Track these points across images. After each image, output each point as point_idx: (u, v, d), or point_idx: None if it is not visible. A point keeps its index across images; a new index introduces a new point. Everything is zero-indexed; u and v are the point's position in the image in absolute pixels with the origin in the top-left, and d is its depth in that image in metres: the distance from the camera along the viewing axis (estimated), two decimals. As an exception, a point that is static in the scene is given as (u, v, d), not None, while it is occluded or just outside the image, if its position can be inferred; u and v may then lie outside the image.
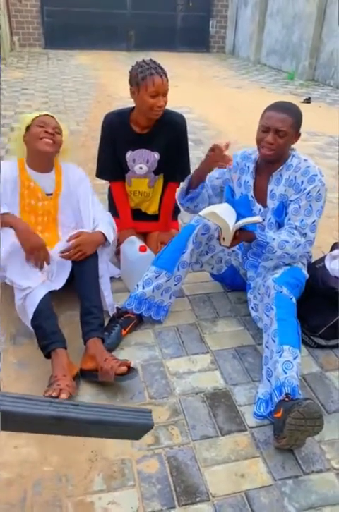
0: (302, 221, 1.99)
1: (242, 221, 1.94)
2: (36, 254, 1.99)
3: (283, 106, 2.01)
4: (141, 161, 2.53)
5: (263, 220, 2.10)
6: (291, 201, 2.02)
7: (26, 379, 1.87)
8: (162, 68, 2.30)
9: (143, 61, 2.32)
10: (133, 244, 2.46)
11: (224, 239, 1.95)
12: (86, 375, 1.88)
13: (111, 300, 2.19)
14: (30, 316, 1.89)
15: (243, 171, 2.16)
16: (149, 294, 2.14)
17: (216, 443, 1.65)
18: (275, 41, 11.11)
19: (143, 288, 2.14)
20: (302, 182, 2.00)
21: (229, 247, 2.00)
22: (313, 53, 9.54)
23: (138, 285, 2.16)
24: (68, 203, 2.26)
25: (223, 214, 1.91)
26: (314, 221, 2.00)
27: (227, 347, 2.12)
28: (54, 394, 1.67)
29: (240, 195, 2.18)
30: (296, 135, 2.01)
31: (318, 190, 1.98)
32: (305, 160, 2.04)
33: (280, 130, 1.93)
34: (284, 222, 2.06)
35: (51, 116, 2.20)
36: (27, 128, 2.15)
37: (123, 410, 0.97)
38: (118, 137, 2.48)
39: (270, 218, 2.10)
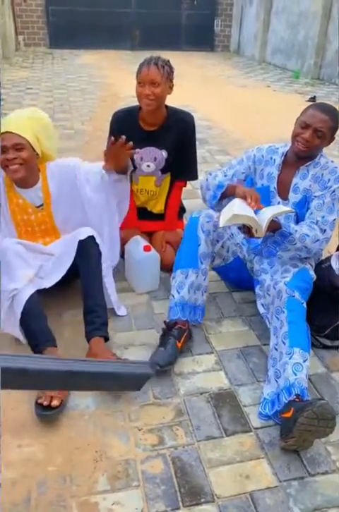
0: (324, 217, 2.02)
1: (275, 212, 1.90)
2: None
3: (327, 108, 2.04)
4: (149, 159, 2.52)
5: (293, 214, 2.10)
6: (315, 196, 2.05)
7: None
8: (156, 60, 2.31)
9: (150, 56, 2.36)
10: (137, 244, 2.45)
11: (257, 231, 1.87)
12: None
13: (116, 298, 2.18)
14: (19, 316, 1.85)
15: (267, 164, 2.17)
16: (187, 296, 2.07)
17: (221, 443, 1.64)
18: (280, 39, 11.06)
19: (179, 292, 2.08)
20: (329, 180, 2.03)
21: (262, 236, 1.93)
22: (319, 52, 9.49)
23: (173, 295, 2.10)
24: (65, 204, 2.18)
25: (242, 211, 1.84)
26: (334, 220, 2.03)
27: (231, 347, 2.11)
28: (45, 403, 1.66)
29: (261, 186, 2.18)
30: (331, 139, 2.04)
31: None
32: (332, 161, 2.09)
33: (319, 130, 1.96)
34: (305, 216, 2.07)
35: (8, 132, 1.94)
36: None
37: (123, 363, 0.98)
38: (126, 134, 2.47)
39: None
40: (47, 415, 1.66)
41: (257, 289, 2.17)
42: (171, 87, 2.41)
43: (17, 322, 1.87)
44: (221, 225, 1.83)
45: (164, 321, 2.06)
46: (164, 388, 1.86)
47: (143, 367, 0.98)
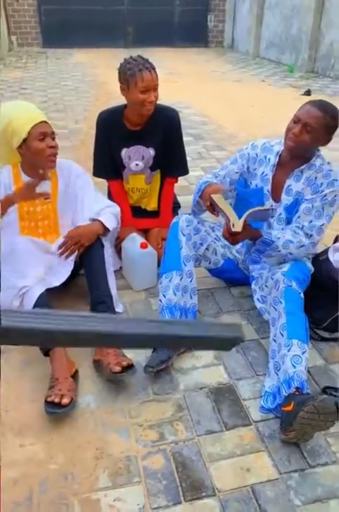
0: (311, 221, 1.98)
1: (253, 209, 1.91)
2: (28, 190, 1.95)
3: (324, 105, 1.96)
4: (137, 158, 2.53)
5: (273, 211, 2.08)
6: (306, 200, 2.01)
7: (30, 377, 1.87)
8: (150, 63, 2.31)
9: (131, 57, 2.33)
10: (134, 241, 2.46)
11: (233, 225, 1.89)
12: (97, 366, 1.88)
13: (115, 295, 2.19)
14: None
15: (261, 163, 2.12)
16: (173, 298, 2.05)
17: (221, 438, 1.65)
18: (273, 34, 11.05)
19: (165, 296, 2.06)
20: (321, 183, 1.99)
21: (239, 234, 1.91)
22: (313, 45, 9.48)
23: (160, 300, 2.09)
24: (67, 204, 2.22)
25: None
26: (322, 225, 2.00)
27: (230, 342, 2.11)
28: (56, 400, 1.66)
29: (255, 187, 2.15)
30: (326, 139, 1.98)
31: (335, 195, 1.98)
32: (328, 163, 2.04)
33: (309, 125, 1.90)
34: (293, 219, 2.05)
35: (46, 122, 2.06)
36: (24, 139, 2.01)
37: (212, 325, 0.99)
38: (112, 135, 2.48)
39: (280, 214, 2.09)
40: (58, 412, 1.67)
41: (253, 285, 2.17)
42: None
43: None
44: (212, 195, 1.91)
45: None
46: (163, 384, 1.87)
47: (232, 330, 0.98)
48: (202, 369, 1.96)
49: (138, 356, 1.97)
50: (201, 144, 4.93)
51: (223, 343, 0.94)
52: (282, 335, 1.80)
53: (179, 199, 2.90)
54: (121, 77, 2.34)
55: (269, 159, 2.10)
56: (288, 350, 1.74)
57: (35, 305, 1.87)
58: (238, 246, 2.24)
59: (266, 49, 11.56)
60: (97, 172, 2.64)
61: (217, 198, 1.90)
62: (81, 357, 1.94)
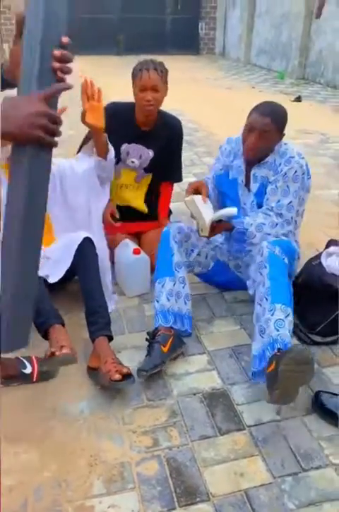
0: (279, 201, 2.08)
1: (217, 214, 2.04)
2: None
3: (267, 108, 2.08)
4: (134, 156, 2.57)
5: (244, 204, 2.21)
6: (270, 182, 2.11)
7: (23, 385, 1.86)
8: (155, 65, 2.36)
9: (144, 59, 2.41)
10: (127, 247, 2.46)
11: (202, 230, 2.03)
12: (92, 374, 1.89)
13: (110, 291, 2.23)
14: None
15: (236, 156, 2.24)
16: (166, 304, 2.07)
17: (215, 443, 1.65)
18: (264, 41, 11.16)
19: (158, 302, 2.09)
20: (280, 164, 2.09)
21: (208, 237, 2.08)
22: (303, 52, 9.60)
23: (154, 306, 2.11)
24: (55, 200, 2.22)
25: (200, 205, 2.01)
26: (291, 202, 2.08)
27: (223, 347, 2.12)
28: (57, 352, 1.70)
29: (231, 178, 2.25)
30: (280, 136, 2.10)
31: (295, 171, 2.06)
32: (285, 144, 2.14)
33: (265, 132, 2.02)
34: (263, 203, 2.14)
35: None
36: None
37: None
38: (118, 127, 2.50)
39: (252, 201, 2.18)
40: (58, 360, 1.72)
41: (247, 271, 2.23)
42: (167, 90, 2.47)
43: None
44: (185, 199, 2.05)
45: (147, 332, 2.05)
46: (157, 390, 1.87)
47: None
48: (195, 374, 1.96)
49: (132, 362, 1.97)
50: (194, 150, 4.96)
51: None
52: (266, 299, 1.83)
53: (171, 205, 2.92)
54: (132, 77, 2.44)
55: (241, 152, 2.20)
56: (272, 315, 1.78)
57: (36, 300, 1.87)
58: (226, 246, 2.33)
59: (257, 55, 11.67)
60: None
61: (188, 201, 2.03)
62: (74, 364, 1.93)
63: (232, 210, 2.05)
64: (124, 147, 2.55)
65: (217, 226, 2.05)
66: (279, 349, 1.70)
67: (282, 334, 1.74)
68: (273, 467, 1.57)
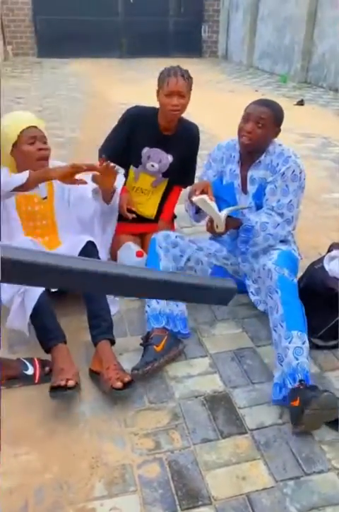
0: (279, 201, 2.10)
1: (232, 208, 2.06)
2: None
3: (265, 101, 2.15)
4: (155, 160, 2.59)
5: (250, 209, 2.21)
6: (268, 183, 2.12)
7: (24, 387, 1.86)
8: (182, 71, 2.40)
9: (171, 66, 2.44)
10: (129, 249, 2.47)
11: (217, 226, 2.04)
12: (93, 376, 1.89)
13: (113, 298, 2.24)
14: (29, 312, 1.88)
15: (228, 161, 2.26)
16: (157, 307, 2.08)
17: (217, 446, 1.65)
18: (267, 44, 11.18)
19: (149, 306, 2.11)
20: (278, 164, 2.11)
21: (223, 233, 2.09)
22: (305, 56, 9.60)
23: (145, 311, 2.12)
24: (64, 204, 2.26)
25: (213, 204, 2.02)
26: (291, 201, 2.09)
27: (225, 350, 2.12)
28: (62, 383, 1.69)
29: (225, 183, 2.27)
30: (276, 130, 2.12)
31: (293, 171, 2.08)
32: (280, 145, 2.16)
33: (259, 120, 2.04)
34: (263, 204, 2.15)
35: (35, 126, 2.12)
36: (14, 144, 2.08)
37: (207, 279, 1.05)
38: (140, 131, 2.54)
39: (250, 202, 2.20)
40: (65, 394, 1.70)
41: (246, 281, 2.25)
42: (190, 97, 2.50)
43: (26, 318, 1.91)
44: (193, 198, 2.03)
45: (141, 337, 2.06)
46: (159, 392, 1.87)
47: (228, 282, 1.04)
48: (197, 377, 1.96)
49: (133, 365, 1.96)
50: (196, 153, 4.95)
51: (221, 295, 0.98)
52: (281, 326, 1.84)
53: (176, 208, 2.91)
54: (158, 82, 2.46)
55: (234, 156, 2.24)
56: (289, 342, 1.79)
57: (36, 304, 1.89)
58: (223, 252, 2.34)
59: (260, 59, 11.68)
60: (104, 152, 2.66)
61: (199, 201, 2.02)
62: (76, 365, 1.93)
63: (244, 205, 2.11)
64: (145, 150, 2.57)
65: (229, 222, 2.06)
66: (301, 381, 1.71)
67: (301, 363, 1.75)
68: (275, 471, 1.56)
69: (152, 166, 2.60)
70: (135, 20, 12.72)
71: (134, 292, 0.90)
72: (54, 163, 2.25)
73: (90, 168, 1.95)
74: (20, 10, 12.14)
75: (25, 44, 12.48)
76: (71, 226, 2.29)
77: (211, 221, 2.07)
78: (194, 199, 2.02)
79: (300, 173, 2.10)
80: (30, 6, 12.29)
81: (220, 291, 1.00)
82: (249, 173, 2.18)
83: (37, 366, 1.90)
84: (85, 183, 1.97)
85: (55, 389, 1.71)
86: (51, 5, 12.16)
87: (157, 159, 2.59)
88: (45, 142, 2.13)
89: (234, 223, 2.11)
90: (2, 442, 1.62)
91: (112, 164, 2.11)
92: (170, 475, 1.54)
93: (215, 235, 2.14)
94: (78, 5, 12.32)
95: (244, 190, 2.22)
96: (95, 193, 2.21)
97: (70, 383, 1.70)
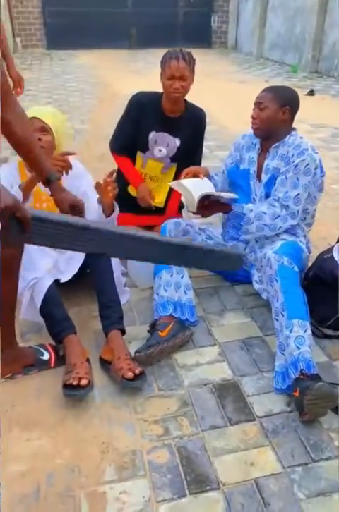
0: (286, 192, 2.08)
1: (216, 193, 2.10)
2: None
3: (273, 86, 2.21)
4: (162, 144, 2.61)
5: (255, 195, 2.24)
6: (280, 173, 2.12)
7: (36, 373, 1.90)
8: (183, 53, 2.40)
9: (174, 48, 2.46)
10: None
11: (189, 206, 2.09)
12: (104, 365, 1.92)
13: (121, 284, 2.27)
14: (39, 304, 1.92)
15: (249, 149, 2.29)
16: (165, 294, 2.11)
17: (225, 433, 1.67)
18: (277, 34, 11.06)
19: (157, 294, 2.13)
20: (292, 155, 2.09)
21: (195, 214, 2.10)
22: (316, 46, 9.49)
23: (154, 299, 2.16)
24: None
25: (189, 185, 2.07)
26: (298, 194, 2.08)
27: (234, 339, 2.13)
28: (74, 383, 1.71)
29: (242, 169, 2.29)
30: (283, 110, 2.10)
31: (307, 164, 2.06)
32: (301, 137, 2.15)
33: (260, 104, 2.10)
34: (271, 194, 2.15)
35: (34, 117, 2.09)
36: None
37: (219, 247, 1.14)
38: (145, 115, 2.56)
39: (261, 191, 2.20)
40: (77, 394, 1.72)
41: (252, 270, 2.26)
42: (193, 78, 2.53)
43: (36, 310, 1.95)
44: (169, 184, 2.20)
45: (149, 324, 2.09)
46: (168, 380, 1.89)
47: (236, 248, 1.12)
48: (206, 365, 1.98)
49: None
50: (205, 144, 4.93)
51: (230, 260, 1.03)
52: (282, 315, 1.85)
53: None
54: (160, 64, 2.48)
55: (255, 144, 2.26)
56: (290, 331, 1.79)
57: (45, 296, 1.92)
58: (232, 242, 2.31)
59: (270, 49, 11.57)
60: (114, 144, 2.70)
61: (175, 184, 2.16)
62: (87, 351, 1.96)
63: (231, 194, 2.11)
64: (152, 135, 2.59)
65: (211, 205, 2.08)
66: (302, 371, 1.72)
67: (303, 352, 1.75)
68: (283, 458, 1.58)
69: (160, 150, 2.61)
70: (144, 10, 12.64)
71: (149, 256, 0.97)
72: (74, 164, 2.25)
73: (66, 154, 1.96)
74: (29, 2, 12.10)
75: (34, 36, 12.46)
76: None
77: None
78: (170, 183, 2.12)
79: (315, 168, 2.09)
80: (40, -2, 12.27)
81: (231, 256, 1.04)
82: (265, 162, 2.19)
83: (51, 351, 1.93)
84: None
85: (68, 387, 1.73)
86: (60, -4, 12.14)
87: (165, 143, 2.60)
88: (45, 133, 2.09)
89: (221, 207, 2.12)
90: (14, 427, 1.66)
91: (112, 178, 2.11)
92: (179, 461, 1.56)
93: (200, 215, 2.13)
94: (86, -3, 12.27)
95: (259, 178, 2.23)
96: (98, 202, 2.23)
97: (83, 382, 1.72)
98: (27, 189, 1.97)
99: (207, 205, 2.07)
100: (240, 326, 2.22)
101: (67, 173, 1.94)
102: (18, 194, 1.94)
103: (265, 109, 2.09)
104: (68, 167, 1.91)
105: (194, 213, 2.09)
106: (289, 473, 1.53)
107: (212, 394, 1.83)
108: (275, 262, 1.91)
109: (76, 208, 1.77)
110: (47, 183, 1.75)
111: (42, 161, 1.73)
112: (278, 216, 2.07)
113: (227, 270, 1.53)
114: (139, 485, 1.48)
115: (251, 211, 2.08)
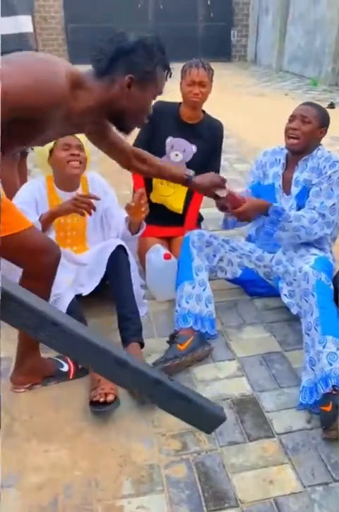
0: (322, 203, 2.11)
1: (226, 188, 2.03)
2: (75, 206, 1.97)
3: (310, 103, 2.28)
4: (178, 149, 2.64)
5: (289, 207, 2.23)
6: (313, 184, 2.14)
7: (55, 385, 1.91)
8: (203, 62, 2.52)
9: (194, 58, 2.58)
10: (157, 252, 2.48)
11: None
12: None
13: (140, 296, 2.28)
14: None
15: (272, 164, 2.32)
16: (186, 306, 2.10)
17: (244, 449, 1.64)
18: (297, 47, 11.05)
19: (179, 306, 2.12)
20: (324, 167, 2.14)
21: (247, 211, 2.04)
22: (336, 58, 9.44)
23: (176, 310, 2.15)
24: (96, 216, 2.26)
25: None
26: (334, 204, 2.11)
27: (253, 354, 2.11)
28: (101, 399, 1.71)
29: (266, 184, 2.32)
30: (321, 130, 2.17)
31: None
32: (329, 151, 2.21)
33: (305, 117, 2.11)
34: (305, 205, 2.16)
35: (73, 135, 2.12)
36: (50, 150, 2.14)
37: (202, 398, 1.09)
38: (163, 121, 2.61)
39: (292, 204, 2.21)
40: (105, 411, 1.72)
41: (279, 284, 2.24)
42: (211, 87, 2.60)
43: None
44: None
45: (169, 335, 2.09)
46: (186, 394, 1.87)
47: (220, 410, 1.05)
48: (225, 380, 1.96)
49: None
50: (224, 157, 4.91)
51: (206, 418, 0.98)
52: (316, 330, 1.81)
53: (202, 211, 2.93)
54: (181, 73, 2.56)
55: (279, 160, 2.29)
56: (323, 347, 1.76)
57: (68, 311, 1.92)
58: (257, 253, 2.34)
59: (289, 62, 11.56)
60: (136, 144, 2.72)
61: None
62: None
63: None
64: (169, 140, 2.62)
65: (255, 203, 2.10)
66: (334, 386, 1.69)
67: (335, 369, 1.72)
68: (303, 476, 1.55)
69: (176, 155, 2.64)
70: (165, 25, 12.78)
71: (114, 376, 0.97)
72: (93, 176, 2.33)
73: (90, 197, 2.02)
74: (53, 19, 12.41)
75: (57, 52, 12.73)
76: (99, 239, 2.32)
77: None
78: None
79: None
80: (62, 15, 12.56)
81: (209, 415, 0.99)
82: (294, 175, 2.22)
83: (71, 363, 1.94)
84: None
85: (94, 404, 1.73)
86: (82, 13, 12.37)
87: (181, 148, 2.63)
88: (82, 150, 2.15)
89: (262, 205, 2.11)
90: (32, 438, 1.67)
91: (144, 200, 2.14)
92: (197, 476, 1.54)
93: (237, 217, 2.09)
94: (108, 13, 12.48)
95: (287, 191, 2.24)
96: (126, 221, 2.25)
97: (110, 398, 1.72)
98: (46, 222, 2.02)
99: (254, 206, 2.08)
100: (259, 340, 2.20)
101: (90, 214, 2.00)
102: (38, 226, 1.98)
103: (309, 124, 2.12)
104: (91, 209, 1.97)
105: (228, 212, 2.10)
106: (310, 492, 1.50)
107: (231, 409, 1.81)
108: (313, 277, 1.88)
109: (217, 184, 1.96)
110: (188, 183, 1.97)
111: (173, 173, 1.97)
112: (316, 221, 2.09)
113: (200, 429, 1.51)
114: (156, 500, 1.47)
115: (290, 211, 2.12)
